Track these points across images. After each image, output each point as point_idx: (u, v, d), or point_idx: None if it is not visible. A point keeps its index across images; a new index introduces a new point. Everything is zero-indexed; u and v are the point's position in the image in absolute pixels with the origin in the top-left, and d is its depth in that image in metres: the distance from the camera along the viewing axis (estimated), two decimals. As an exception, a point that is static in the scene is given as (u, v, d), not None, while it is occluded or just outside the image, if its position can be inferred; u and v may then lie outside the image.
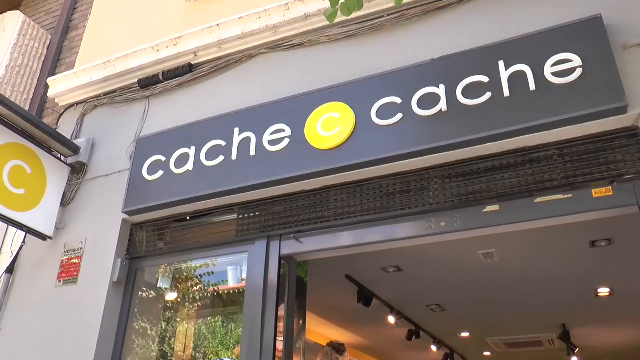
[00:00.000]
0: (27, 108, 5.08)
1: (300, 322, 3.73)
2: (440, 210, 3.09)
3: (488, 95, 3.02)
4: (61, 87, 4.83)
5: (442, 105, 3.12)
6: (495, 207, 2.95)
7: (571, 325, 7.46)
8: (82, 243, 4.08)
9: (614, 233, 4.55)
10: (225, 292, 4.92)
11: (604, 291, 6.05)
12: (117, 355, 3.78)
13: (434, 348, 8.23)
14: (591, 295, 6.17)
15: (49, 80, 4.91)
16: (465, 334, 8.16)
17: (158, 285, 4.24)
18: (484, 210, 2.98)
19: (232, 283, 4.02)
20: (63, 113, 4.86)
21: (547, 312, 6.90)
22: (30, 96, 5.26)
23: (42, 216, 4.09)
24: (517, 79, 2.98)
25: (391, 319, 6.57)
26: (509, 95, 2.96)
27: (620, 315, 6.98)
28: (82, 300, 3.91)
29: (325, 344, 7.30)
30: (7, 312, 4.20)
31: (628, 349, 8.31)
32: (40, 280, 4.16)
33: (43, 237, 4.11)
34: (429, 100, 3.18)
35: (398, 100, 3.27)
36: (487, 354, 9.39)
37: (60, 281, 4.03)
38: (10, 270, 4.27)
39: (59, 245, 4.17)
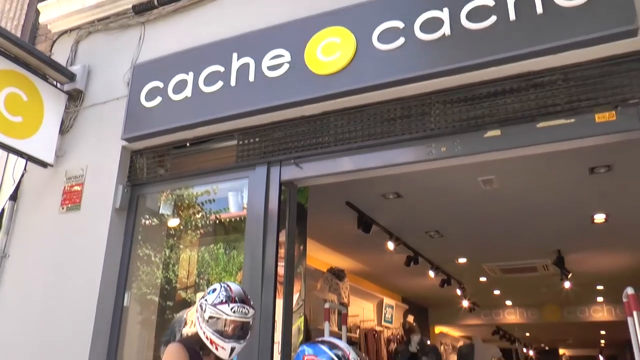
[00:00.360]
0: (18, 35, 4.95)
1: (301, 247, 3.80)
2: (441, 135, 3.08)
3: (493, 19, 2.92)
4: (53, 13, 4.68)
5: (445, 29, 3.03)
6: (497, 132, 2.93)
7: (566, 251, 7.61)
8: (82, 170, 4.10)
9: (614, 159, 4.55)
10: (227, 219, 4.99)
11: (599, 217, 6.13)
12: (123, 280, 3.87)
13: (431, 274, 8.42)
14: (587, 221, 6.25)
15: (40, 5, 4.75)
16: (462, 260, 8.34)
17: (160, 212, 4.28)
18: (485, 135, 2.96)
19: (233, 210, 4.06)
20: (56, 40, 4.73)
21: (543, 238, 7.03)
22: (21, 22, 5.10)
23: (42, 143, 4.08)
24: (524, 2, 2.88)
25: (390, 245, 6.68)
26: (514, 19, 2.87)
27: (614, 241, 7.11)
28: (85, 227, 3.97)
29: (325, 270, 7.49)
30: (14, 238, 4.28)
31: (620, 274, 8.52)
32: (44, 207, 4.20)
33: (43, 164, 4.12)
34: (432, 25, 3.08)
35: (400, 24, 3.17)
36: (483, 279, 9.63)
37: (63, 208, 4.08)
38: (13, 197, 4.31)
39: (59, 173, 4.19)
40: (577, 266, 8.11)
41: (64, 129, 4.28)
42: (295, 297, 3.50)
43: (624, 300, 2.65)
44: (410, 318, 9.63)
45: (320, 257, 7.80)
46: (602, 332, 16.73)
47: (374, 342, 8.65)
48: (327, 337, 2.57)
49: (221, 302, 2.49)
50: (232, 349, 2.48)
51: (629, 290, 2.62)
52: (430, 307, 13.03)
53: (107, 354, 3.69)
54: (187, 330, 3.56)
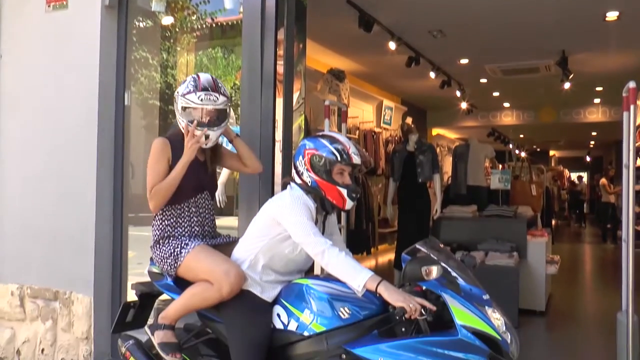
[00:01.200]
0: None
1: (300, 46, 3.71)
2: None
3: None
4: None
5: None
6: None
7: (570, 51, 7.46)
8: (64, -36, 3.82)
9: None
10: (224, 22, 4.79)
11: (612, 15, 5.88)
12: (121, 80, 3.83)
13: (432, 75, 8.36)
14: (598, 19, 6.02)
15: None
16: (464, 61, 8.22)
17: (152, 10, 4.09)
18: None
19: (228, 6, 3.87)
20: None
21: (549, 37, 6.83)
22: None
23: None
24: None
25: (392, 45, 6.52)
26: None
27: (623, 40, 6.91)
28: (76, 26, 3.85)
29: (325, 72, 7.42)
30: (3, 40, 4.18)
31: (621, 74, 8.38)
32: (29, 7, 4.03)
33: (21, -43, 3.83)
34: None
35: None
36: (483, 81, 9.59)
37: (49, 6, 3.90)
38: (-6, -5, 4.09)
39: (40, -32, 3.92)
40: (579, 67, 8.02)
41: None
42: (295, 95, 3.51)
43: (624, 94, 2.64)
44: (409, 120, 9.80)
45: (320, 58, 7.69)
46: (594, 134, 17.23)
47: (372, 143, 8.92)
48: (327, 132, 2.62)
49: (189, 92, 2.50)
50: (207, 136, 2.54)
51: (631, 84, 2.60)
52: (429, 109, 13.22)
53: (114, 155, 3.81)
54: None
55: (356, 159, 2.29)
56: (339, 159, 2.26)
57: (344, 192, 2.28)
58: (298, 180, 2.34)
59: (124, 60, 3.83)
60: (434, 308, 2.02)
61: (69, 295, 3.87)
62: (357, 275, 2.07)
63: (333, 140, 2.31)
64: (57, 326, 3.93)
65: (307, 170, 2.30)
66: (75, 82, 3.87)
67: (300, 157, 2.33)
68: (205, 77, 2.57)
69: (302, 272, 2.47)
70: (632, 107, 2.59)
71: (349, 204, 2.32)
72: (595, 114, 12.37)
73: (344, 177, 2.30)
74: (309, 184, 2.30)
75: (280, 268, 2.36)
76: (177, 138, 2.60)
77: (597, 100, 11.83)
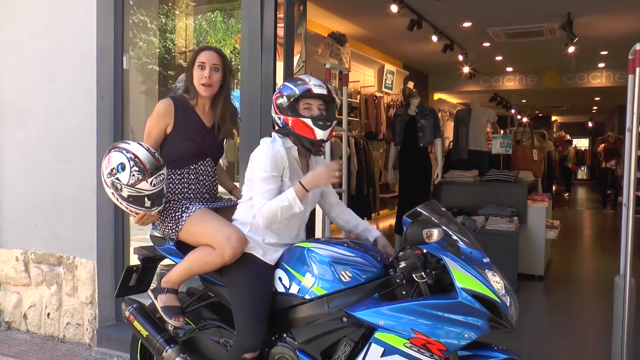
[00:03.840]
0: None
1: (301, 8, 3.64)
2: None
3: None
4: None
5: None
6: None
7: (576, 14, 7.33)
8: None
9: None
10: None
11: (618, -24, 5.77)
12: (119, 46, 3.77)
13: (434, 39, 8.25)
14: (604, -20, 5.92)
15: None
16: (467, 24, 8.09)
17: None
18: None
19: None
20: None
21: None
22: None
23: None
24: None
25: (394, 8, 6.41)
26: None
27: (629, 2, 6.80)
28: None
29: (326, 35, 7.32)
30: (-2, 2, 4.09)
31: (627, 37, 8.29)
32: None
33: None
34: None
35: None
36: (486, 44, 9.46)
37: (44, -33, 3.81)
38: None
39: None
40: (584, 30, 7.89)
41: None
42: (296, 59, 3.46)
43: (630, 57, 2.60)
44: (410, 84, 9.72)
45: (321, 21, 7.57)
46: (597, 99, 17.09)
47: (373, 107, 8.87)
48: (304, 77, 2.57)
49: (138, 181, 2.26)
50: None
51: (638, 46, 2.56)
52: (431, 74, 13.09)
53: (114, 119, 3.79)
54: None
55: (317, 89, 2.29)
56: (297, 92, 2.28)
57: (309, 121, 2.28)
58: (276, 128, 2.38)
59: (122, 22, 3.77)
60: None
61: (73, 260, 3.90)
62: (285, 196, 2.20)
63: (296, 80, 2.34)
64: (62, 291, 3.97)
65: (276, 113, 2.34)
66: (72, 44, 3.82)
67: (273, 106, 2.35)
68: (144, 155, 2.29)
69: (303, 226, 2.47)
70: (637, 69, 2.55)
71: (319, 133, 2.30)
72: (600, 79, 12.24)
73: (312, 110, 2.31)
74: (281, 127, 2.33)
75: (282, 227, 2.37)
76: (182, 100, 2.58)
77: (601, 65, 11.69)
